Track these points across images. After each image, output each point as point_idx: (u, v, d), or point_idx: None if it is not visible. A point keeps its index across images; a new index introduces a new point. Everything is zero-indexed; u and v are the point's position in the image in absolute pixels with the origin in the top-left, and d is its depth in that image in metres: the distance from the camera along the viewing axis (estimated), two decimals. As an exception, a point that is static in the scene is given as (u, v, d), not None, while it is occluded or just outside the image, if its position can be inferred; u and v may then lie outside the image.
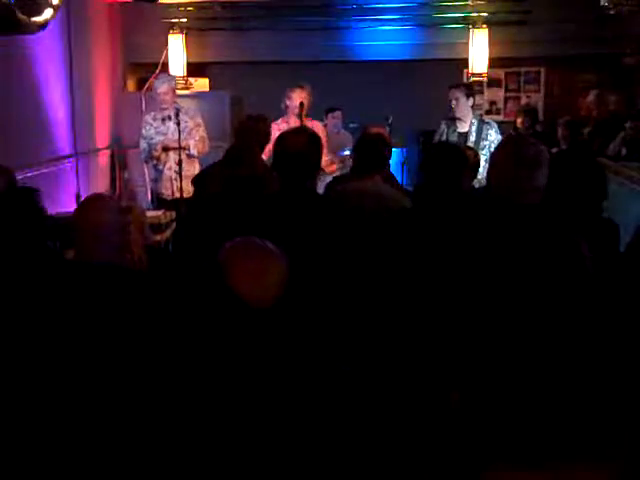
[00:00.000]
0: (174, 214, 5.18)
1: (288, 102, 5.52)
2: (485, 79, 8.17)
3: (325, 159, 5.03)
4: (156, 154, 5.81)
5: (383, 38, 8.12)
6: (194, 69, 8.24)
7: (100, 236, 2.51)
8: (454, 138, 5.50)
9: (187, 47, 8.13)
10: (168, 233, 5.01)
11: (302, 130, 3.40)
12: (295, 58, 7.89)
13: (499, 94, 8.57)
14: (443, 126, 5.69)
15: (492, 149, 5.07)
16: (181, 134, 5.44)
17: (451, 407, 1.65)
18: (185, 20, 8.11)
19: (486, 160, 4.67)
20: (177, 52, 8.09)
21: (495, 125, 5.63)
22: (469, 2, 7.95)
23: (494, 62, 7.98)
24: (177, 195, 5.51)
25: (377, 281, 2.82)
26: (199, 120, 5.93)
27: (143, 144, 5.95)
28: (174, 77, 6.70)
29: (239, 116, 7.27)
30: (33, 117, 5.85)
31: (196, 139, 5.81)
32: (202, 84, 8.35)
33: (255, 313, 1.92)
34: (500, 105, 8.59)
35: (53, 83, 6.16)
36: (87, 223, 2.54)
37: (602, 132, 6.71)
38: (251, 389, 1.83)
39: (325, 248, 2.84)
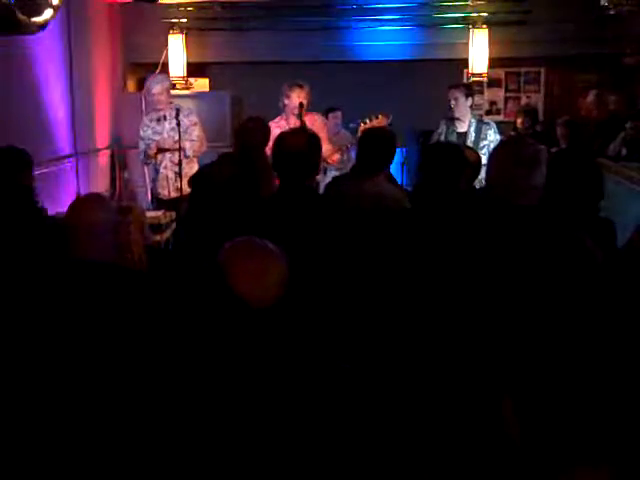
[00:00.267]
0: (174, 214, 5.18)
1: (287, 101, 5.38)
2: (485, 79, 8.16)
3: (327, 147, 5.02)
4: (150, 152, 5.80)
5: (383, 38, 8.12)
6: (194, 69, 8.24)
7: (93, 235, 2.50)
8: (453, 138, 5.52)
9: (187, 47, 8.12)
10: (168, 233, 5.02)
11: (301, 130, 3.41)
12: (295, 58, 7.87)
13: (499, 94, 8.57)
14: (442, 126, 5.70)
15: (491, 149, 5.08)
16: (179, 134, 5.43)
17: (502, 414, 1.62)
18: (185, 20, 8.10)
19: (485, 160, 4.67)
20: (177, 52, 8.09)
21: (494, 125, 5.64)
22: (469, 2, 7.95)
23: (494, 62, 7.97)
24: (174, 195, 5.52)
25: (376, 280, 2.82)
26: (195, 119, 5.88)
27: (141, 145, 5.95)
28: (167, 77, 6.65)
29: (239, 116, 7.29)
30: (33, 117, 5.85)
31: (193, 138, 5.77)
32: (202, 84, 8.35)
33: (255, 313, 1.92)
34: (500, 105, 8.59)
35: (53, 83, 6.16)
36: (79, 222, 2.53)
37: (602, 132, 6.71)
38: (251, 389, 1.83)
39: (325, 248, 2.84)
